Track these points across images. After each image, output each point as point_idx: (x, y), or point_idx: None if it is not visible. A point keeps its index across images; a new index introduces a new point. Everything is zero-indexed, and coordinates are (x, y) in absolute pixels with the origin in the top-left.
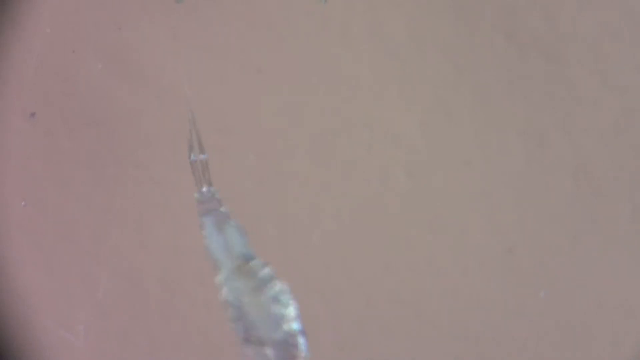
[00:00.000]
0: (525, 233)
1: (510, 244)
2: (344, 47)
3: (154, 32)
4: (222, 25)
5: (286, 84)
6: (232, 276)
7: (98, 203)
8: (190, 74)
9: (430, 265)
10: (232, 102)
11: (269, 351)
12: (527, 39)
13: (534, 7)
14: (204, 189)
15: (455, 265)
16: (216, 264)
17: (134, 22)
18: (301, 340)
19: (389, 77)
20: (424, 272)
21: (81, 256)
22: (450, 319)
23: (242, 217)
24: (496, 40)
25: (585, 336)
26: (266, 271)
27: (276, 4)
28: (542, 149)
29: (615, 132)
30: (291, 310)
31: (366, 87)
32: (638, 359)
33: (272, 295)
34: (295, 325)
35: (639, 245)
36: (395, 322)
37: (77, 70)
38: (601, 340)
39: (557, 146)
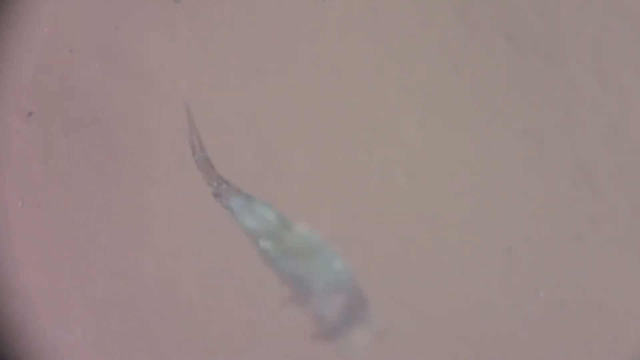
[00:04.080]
0: (525, 233)
1: (510, 244)
2: (343, 47)
3: (152, 32)
4: (220, 25)
5: (284, 84)
6: (277, 240)
7: (95, 203)
8: (188, 74)
9: (429, 265)
10: (230, 102)
11: (336, 298)
12: (527, 39)
13: (534, 7)
14: (215, 183)
15: (455, 265)
16: (255, 236)
17: (131, 21)
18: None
19: (388, 77)
20: (424, 272)
21: (79, 256)
22: (450, 319)
23: None
24: (496, 41)
25: (585, 336)
26: (316, 236)
27: (274, 4)
28: (542, 149)
29: (615, 132)
30: (345, 266)
31: (365, 87)
32: (638, 359)
33: (327, 256)
34: (348, 272)
35: (638, 245)
36: (395, 322)
37: (75, 70)
38: (601, 340)
39: (557, 146)
